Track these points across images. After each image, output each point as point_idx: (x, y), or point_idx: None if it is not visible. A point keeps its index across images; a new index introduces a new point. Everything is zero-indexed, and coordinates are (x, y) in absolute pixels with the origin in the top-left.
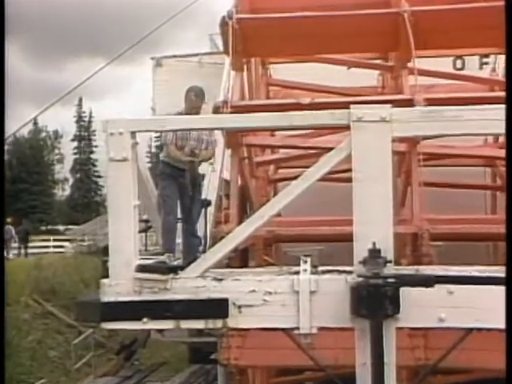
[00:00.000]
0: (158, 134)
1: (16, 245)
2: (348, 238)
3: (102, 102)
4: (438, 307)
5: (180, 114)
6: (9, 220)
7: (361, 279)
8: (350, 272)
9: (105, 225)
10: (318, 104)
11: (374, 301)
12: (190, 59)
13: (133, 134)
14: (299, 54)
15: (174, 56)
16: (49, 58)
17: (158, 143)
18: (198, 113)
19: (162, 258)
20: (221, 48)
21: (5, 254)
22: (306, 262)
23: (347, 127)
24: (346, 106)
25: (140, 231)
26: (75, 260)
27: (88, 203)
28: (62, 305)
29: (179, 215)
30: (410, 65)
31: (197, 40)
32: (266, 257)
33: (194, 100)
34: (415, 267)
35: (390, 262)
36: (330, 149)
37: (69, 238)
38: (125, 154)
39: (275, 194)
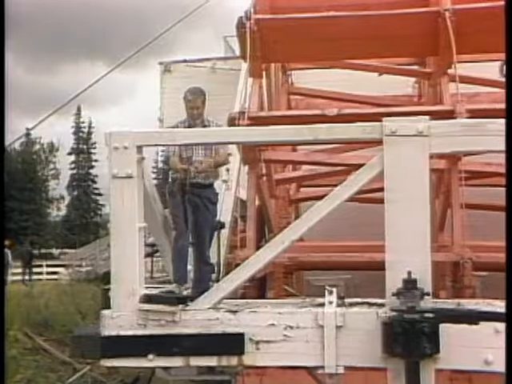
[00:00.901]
0: (165, 148)
1: (16, 270)
2: (379, 267)
3: (103, 112)
4: (484, 348)
5: (183, 123)
6: (6, 243)
7: (394, 313)
8: (381, 305)
9: (105, 249)
10: (345, 115)
11: (410, 338)
12: (202, 64)
13: (139, 148)
14: (325, 58)
15: (185, 61)
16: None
17: (166, 154)
18: (199, 114)
19: (170, 286)
20: (237, 52)
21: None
22: (331, 292)
23: (379, 142)
24: (377, 117)
25: (145, 256)
26: (71, 288)
27: (86, 224)
28: (55, 339)
29: (190, 239)
30: (450, 71)
31: (210, 43)
32: (287, 286)
33: (192, 99)
34: (456, 301)
35: (428, 294)
36: (360, 166)
37: (64, 263)
38: (130, 170)
39: (297, 215)
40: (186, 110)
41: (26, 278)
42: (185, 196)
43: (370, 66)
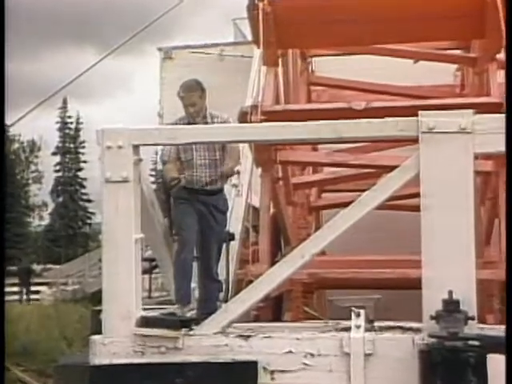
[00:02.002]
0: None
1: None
2: (414, 285)
3: (94, 105)
4: None
5: (182, 120)
6: None
7: (433, 340)
8: (417, 330)
9: (96, 264)
10: (375, 109)
11: (452, 370)
12: (208, 51)
13: (136, 147)
14: (351, 43)
15: (188, 46)
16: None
17: (162, 158)
18: (197, 111)
19: (171, 307)
20: (248, 37)
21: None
22: (358, 315)
23: (415, 140)
24: (412, 111)
25: (143, 272)
26: (55, 310)
27: (73, 235)
28: (36, 370)
29: (194, 252)
30: (499, 56)
31: (216, 26)
32: (306, 307)
33: (185, 96)
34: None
35: (473, 318)
36: (392, 168)
37: (47, 280)
38: (125, 173)
39: (318, 225)
40: (183, 108)
41: (24, 297)
42: (195, 205)
43: (403, 52)
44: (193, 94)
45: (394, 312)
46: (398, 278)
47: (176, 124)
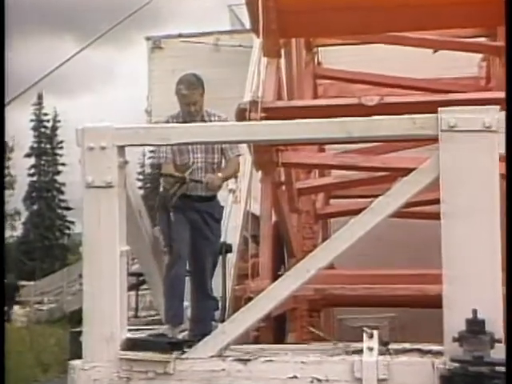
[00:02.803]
0: (154, 148)
1: None
2: (434, 302)
3: (73, 100)
4: None
5: (175, 118)
6: None
7: (456, 365)
8: (438, 353)
9: (75, 280)
10: (389, 105)
11: None
12: (201, 40)
13: (121, 149)
14: (360, 31)
15: (180, 35)
16: None
17: (155, 160)
18: (197, 110)
19: (161, 328)
20: (246, 24)
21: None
22: (371, 336)
23: (434, 139)
24: (431, 107)
25: (129, 289)
26: (29, 332)
27: (50, 248)
28: None
29: (187, 266)
30: None
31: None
32: (312, 327)
33: (187, 94)
34: None
35: (500, 341)
36: (408, 170)
37: (20, 299)
38: (109, 177)
39: (325, 235)
40: (180, 106)
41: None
42: (188, 214)
43: (421, 40)
44: (194, 92)
45: (411, 333)
46: (415, 295)
47: (168, 122)
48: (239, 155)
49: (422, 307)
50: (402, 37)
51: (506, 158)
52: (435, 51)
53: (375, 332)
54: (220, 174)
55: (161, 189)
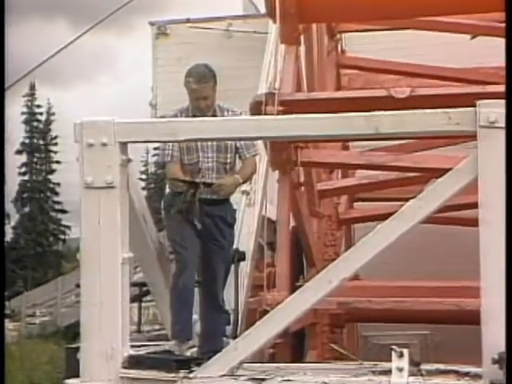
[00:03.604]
0: (158, 145)
1: None
2: (471, 318)
3: (69, 91)
4: None
5: (184, 112)
6: None
7: None
8: (476, 376)
9: (71, 290)
10: (421, 98)
11: None
12: (212, 25)
13: (123, 145)
14: (391, 16)
15: (187, 20)
16: None
17: (159, 159)
18: (208, 106)
19: (166, 344)
20: (261, 9)
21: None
22: (401, 355)
23: (471, 136)
24: (469, 100)
25: (132, 300)
26: (19, 349)
27: (42, 254)
28: None
29: (196, 275)
30: None
31: None
32: (335, 345)
33: (198, 88)
34: None
35: None
36: (443, 171)
37: (9, 311)
38: (110, 177)
39: (349, 242)
40: (190, 100)
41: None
42: (189, 215)
43: (457, 25)
44: (206, 86)
45: (446, 352)
46: (450, 310)
47: (176, 116)
48: (256, 155)
49: (458, 324)
50: (434, 21)
51: (506, 158)
52: (473, 37)
53: (405, 351)
54: (237, 176)
55: (167, 189)
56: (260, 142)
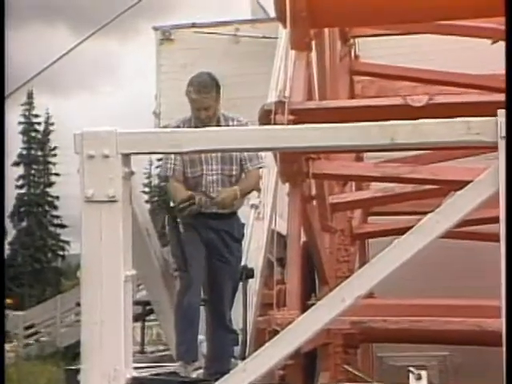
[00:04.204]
0: (161, 156)
1: None
2: (493, 339)
3: (68, 100)
4: None
5: (186, 123)
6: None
7: None
8: None
9: (71, 309)
10: (439, 106)
11: None
12: (218, 30)
13: (126, 157)
14: (406, 19)
15: (193, 25)
16: None
17: (161, 172)
18: (209, 117)
19: (171, 366)
20: (271, 13)
21: None
22: (418, 377)
23: (492, 147)
24: (490, 109)
25: (135, 320)
26: (16, 370)
27: (41, 271)
28: None
29: (202, 293)
30: None
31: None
32: (348, 366)
33: (198, 99)
34: None
35: None
36: (462, 183)
37: (6, 331)
38: (112, 190)
39: (364, 258)
40: (191, 110)
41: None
42: (203, 233)
43: (478, 29)
44: (207, 96)
45: (467, 375)
46: (470, 331)
47: (179, 127)
48: (260, 167)
49: (479, 345)
50: (453, 26)
51: (506, 158)
52: (494, 42)
53: (423, 373)
54: (235, 188)
55: (171, 203)
56: (269, 154)
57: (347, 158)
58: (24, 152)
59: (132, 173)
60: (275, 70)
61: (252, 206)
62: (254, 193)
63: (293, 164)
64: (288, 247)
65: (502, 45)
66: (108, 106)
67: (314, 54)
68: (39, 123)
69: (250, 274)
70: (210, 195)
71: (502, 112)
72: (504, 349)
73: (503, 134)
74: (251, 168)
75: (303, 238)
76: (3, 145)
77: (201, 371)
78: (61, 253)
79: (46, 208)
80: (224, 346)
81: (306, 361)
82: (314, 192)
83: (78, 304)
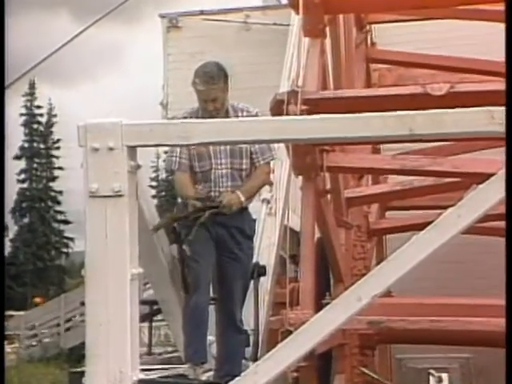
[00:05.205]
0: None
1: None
2: None
3: (72, 90)
4: None
5: (193, 114)
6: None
7: None
8: None
9: (75, 310)
10: (461, 95)
11: None
12: (228, 17)
13: (132, 150)
14: (425, 4)
15: (201, 12)
16: None
17: (167, 166)
18: (217, 109)
19: (180, 368)
20: None
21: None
22: (440, 380)
23: None
24: None
25: (141, 320)
26: (18, 372)
27: (44, 269)
28: None
29: (211, 293)
30: None
31: None
32: (365, 368)
33: (205, 90)
34: None
35: None
36: (485, 176)
37: (8, 332)
38: (117, 184)
39: (381, 255)
40: (198, 101)
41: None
42: (213, 230)
43: (501, 14)
44: (214, 87)
45: (490, 379)
46: (495, 332)
47: (185, 118)
48: (272, 159)
49: (504, 347)
50: (475, 10)
51: (506, 158)
52: None
53: (444, 375)
54: (238, 193)
55: (179, 199)
56: (281, 146)
57: (363, 149)
58: (26, 145)
59: (138, 166)
60: (287, 59)
61: (263, 200)
62: (266, 187)
63: (306, 156)
64: (301, 244)
65: None
66: (113, 96)
67: (328, 42)
68: (41, 115)
69: (261, 271)
70: (213, 205)
71: None
72: (505, 349)
73: None
74: (263, 162)
75: (317, 234)
76: (3, 137)
77: (211, 373)
78: (64, 250)
79: (49, 203)
80: (234, 347)
81: (321, 363)
82: (328, 186)
83: (83, 304)
